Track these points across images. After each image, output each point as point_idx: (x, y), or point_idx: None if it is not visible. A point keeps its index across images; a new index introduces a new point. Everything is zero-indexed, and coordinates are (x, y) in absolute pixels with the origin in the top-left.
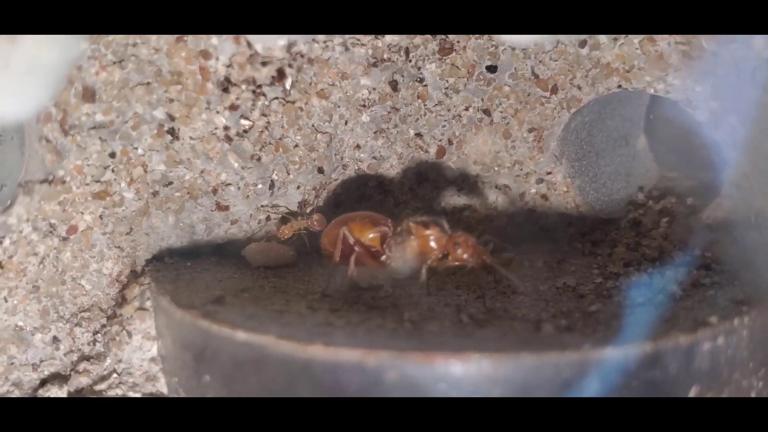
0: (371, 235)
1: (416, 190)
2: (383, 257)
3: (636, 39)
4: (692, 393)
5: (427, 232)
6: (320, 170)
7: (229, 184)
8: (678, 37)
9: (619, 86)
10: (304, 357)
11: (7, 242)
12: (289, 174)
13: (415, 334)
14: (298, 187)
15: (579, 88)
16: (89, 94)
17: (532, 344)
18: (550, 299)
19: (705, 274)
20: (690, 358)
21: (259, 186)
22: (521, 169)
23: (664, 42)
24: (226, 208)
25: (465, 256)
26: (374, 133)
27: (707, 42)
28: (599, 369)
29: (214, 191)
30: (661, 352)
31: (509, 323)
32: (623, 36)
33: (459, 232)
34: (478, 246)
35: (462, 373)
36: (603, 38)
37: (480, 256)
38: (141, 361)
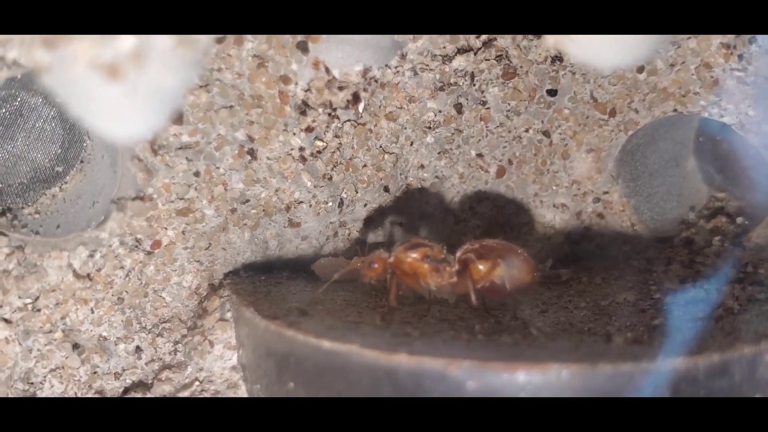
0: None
1: (476, 208)
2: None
3: (692, 65)
4: None
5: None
6: (386, 189)
7: (302, 201)
8: (733, 63)
9: (675, 110)
10: (388, 365)
11: (97, 256)
12: (357, 192)
13: (492, 345)
14: (365, 205)
15: (636, 111)
16: (177, 117)
17: (606, 355)
18: (613, 314)
19: (759, 289)
20: (754, 368)
21: (330, 204)
22: (579, 189)
23: (720, 68)
24: (298, 224)
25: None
26: (438, 153)
27: (761, 68)
28: (670, 379)
29: (288, 209)
30: (728, 362)
31: (578, 336)
32: (680, 63)
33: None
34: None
35: (542, 382)
36: (660, 64)
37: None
38: (222, 370)
